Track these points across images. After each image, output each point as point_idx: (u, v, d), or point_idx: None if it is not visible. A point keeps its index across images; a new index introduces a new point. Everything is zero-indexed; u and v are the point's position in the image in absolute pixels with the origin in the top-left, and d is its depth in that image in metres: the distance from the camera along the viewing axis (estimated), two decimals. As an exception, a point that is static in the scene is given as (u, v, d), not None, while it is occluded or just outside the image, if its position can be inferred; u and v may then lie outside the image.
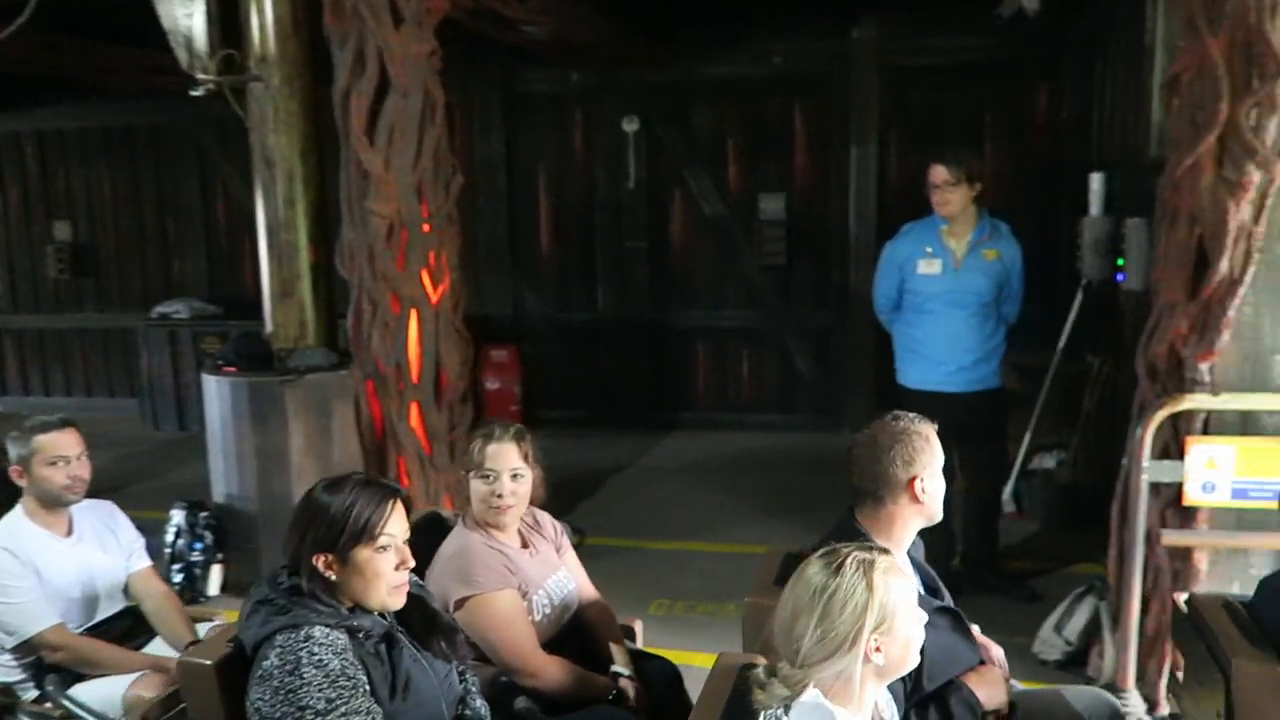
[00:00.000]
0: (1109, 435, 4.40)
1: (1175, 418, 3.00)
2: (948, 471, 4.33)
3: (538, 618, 2.44)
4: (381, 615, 1.95)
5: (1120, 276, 3.98)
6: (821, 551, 1.66)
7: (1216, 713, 2.04)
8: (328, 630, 1.82)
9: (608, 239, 7.14)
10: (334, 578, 1.88)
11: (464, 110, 6.95)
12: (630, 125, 6.89)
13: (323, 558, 1.87)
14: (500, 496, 2.44)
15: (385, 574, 1.90)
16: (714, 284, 7.07)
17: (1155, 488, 3.06)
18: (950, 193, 3.78)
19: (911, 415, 2.24)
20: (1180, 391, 2.98)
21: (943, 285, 3.85)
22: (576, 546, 4.78)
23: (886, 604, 1.59)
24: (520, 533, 2.56)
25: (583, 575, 2.68)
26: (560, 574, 2.58)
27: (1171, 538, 3.06)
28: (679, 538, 5.01)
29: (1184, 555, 3.07)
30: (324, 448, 4.39)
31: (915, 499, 2.16)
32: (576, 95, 7.05)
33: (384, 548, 1.89)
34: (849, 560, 1.61)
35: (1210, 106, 2.78)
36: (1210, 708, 2.08)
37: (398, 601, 1.94)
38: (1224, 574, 3.05)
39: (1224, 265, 2.83)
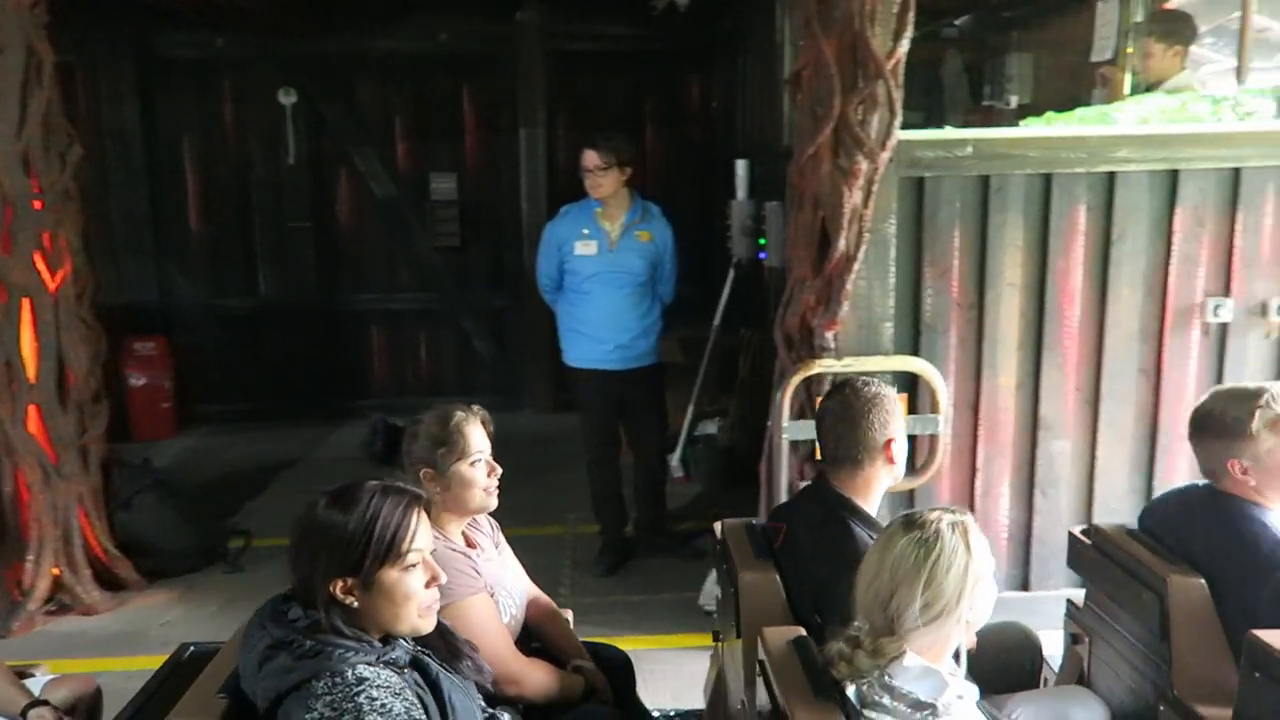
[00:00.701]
0: (760, 400, 4.82)
1: (808, 381, 3.34)
2: (615, 443, 4.54)
3: (506, 620, 2.24)
4: (402, 639, 1.70)
5: (762, 255, 4.35)
6: (903, 520, 1.64)
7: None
8: (376, 669, 1.56)
9: (268, 219, 6.66)
10: (355, 605, 1.61)
11: (87, 74, 6.16)
12: (287, 98, 6.45)
13: (340, 583, 1.59)
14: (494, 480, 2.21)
15: (417, 594, 1.64)
16: (387, 266, 6.85)
17: (794, 445, 3.39)
18: (602, 177, 3.93)
19: (874, 380, 2.30)
20: (811, 357, 3.32)
21: (599, 265, 4.01)
22: (241, 550, 4.52)
23: (981, 565, 1.60)
24: (464, 532, 2.30)
25: (522, 570, 2.47)
26: (512, 571, 2.39)
27: (813, 489, 3.41)
28: (356, 530, 4.81)
29: (819, 504, 3.44)
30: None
31: (890, 460, 2.22)
32: (225, 63, 6.48)
33: (412, 565, 1.64)
34: (943, 525, 1.60)
35: (826, 102, 3.09)
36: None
37: (429, 624, 1.69)
38: (851, 517, 3.44)
39: (842, 244, 3.18)
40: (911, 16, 3.05)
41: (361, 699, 1.50)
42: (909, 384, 3.39)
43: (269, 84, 6.44)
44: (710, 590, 3.88)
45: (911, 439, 3.39)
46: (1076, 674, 2.56)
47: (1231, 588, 2.12)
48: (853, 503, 2.21)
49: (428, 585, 1.67)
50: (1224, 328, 3.43)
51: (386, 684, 1.55)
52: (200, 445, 6.34)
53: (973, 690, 1.62)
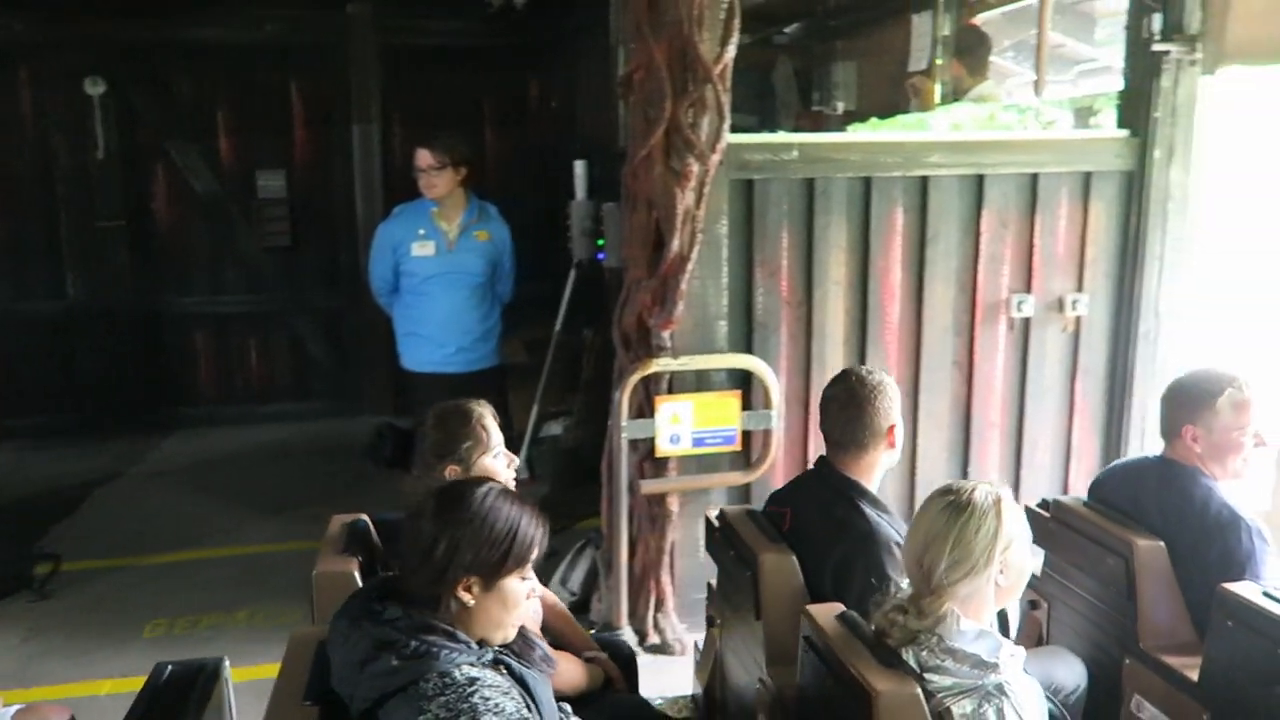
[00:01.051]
0: (604, 400, 4.85)
1: (646, 380, 3.39)
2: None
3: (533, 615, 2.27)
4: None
5: (602, 256, 4.38)
6: (941, 489, 1.80)
7: (750, 608, 2.32)
8: (482, 670, 1.56)
9: (75, 217, 6.17)
10: (471, 605, 1.60)
11: None
12: (95, 88, 6.00)
13: (468, 581, 1.60)
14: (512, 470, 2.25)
15: (522, 604, 1.67)
16: (211, 267, 6.48)
17: (634, 443, 3.43)
18: (436, 176, 3.86)
19: (875, 369, 2.44)
20: (648, 357, 3.36)
21: (438, 267, 3.94)
22: (49, 576, 4.19)
23: (1012, 530, 1.74)
24: None
25: None
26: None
27: (649, 486, 3.46)
28: (180, 548, 4.53)
29: (660, 500, 3.49)
30: None
31: (891, 444, 2.36)
32: (22, 48, 5.97)
33: (527, 576, 1.67)
34: (977, 492, 1.76)
35: (657, 104, 3.14)
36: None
37: (514, 634, 1.70)
38: (692, 511, 3.52)
39: (676, 244, 3.24)
40: (738, 23, 3.14)
41: (475, 699, 1.50)
42: (743, 381, 3.48)
43: (74, 72, 5.98)
44: (556, 591, 3.87)
45: (746, 434, 3.51)
46: (1036, 637, 2.74)
47: (1186, 548, 2.34)
48: (860, 484, 2.35)
49: (528, 596, 1.70)
50: (1026, 322, 3.70)
51: (496, 684, 1.56)
52: (3, 463, 5.83)
53: (1020, 650, 1.76)
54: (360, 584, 2.09)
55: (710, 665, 2.72)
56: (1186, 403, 2.43)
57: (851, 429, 2.34)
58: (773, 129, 5.32)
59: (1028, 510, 2.71)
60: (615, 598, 3.54)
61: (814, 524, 2.34)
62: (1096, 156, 3.65)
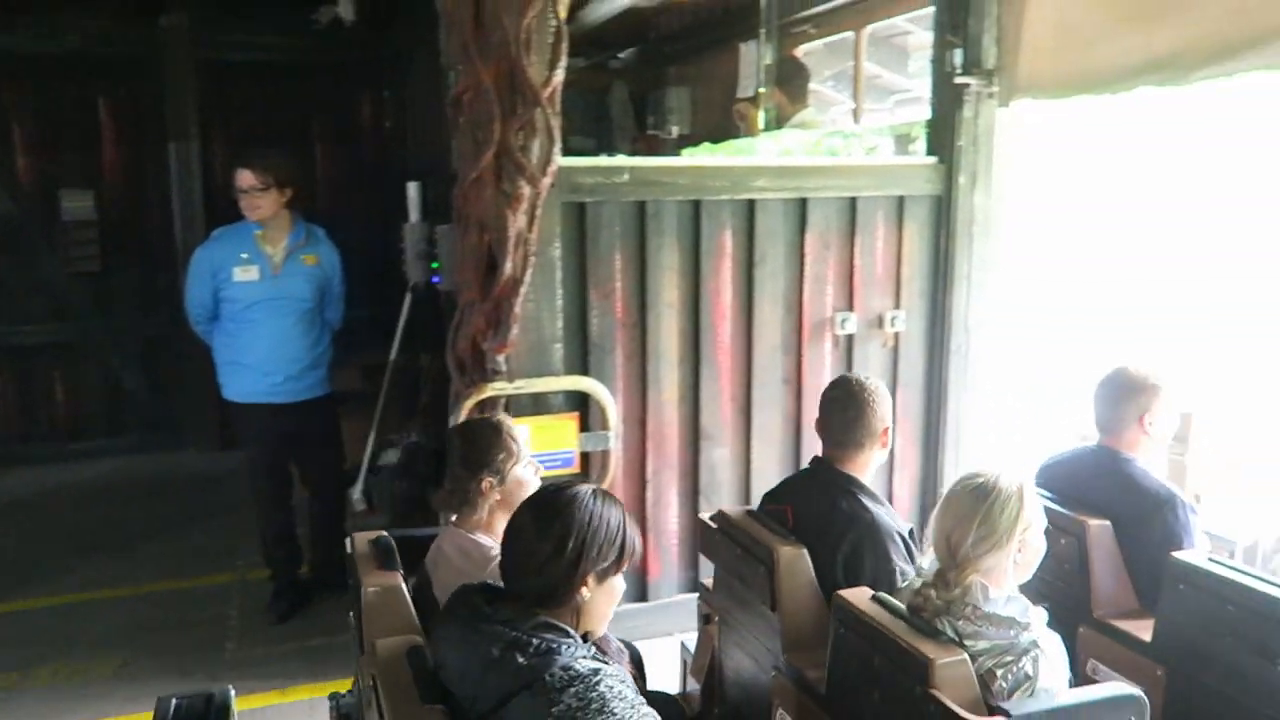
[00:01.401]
0: (443, 426, 4.75)
1: (482, 404, 3.33)
2: (286, 481, 4.28)
3: None
4: None
5: (436, 279, 4.30)
6: (966, 475, 2.01)
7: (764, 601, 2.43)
8: (599, 661, 1.64)
9: None
10: (588, 600, 1.71)
11: None
12: None
13: (589, 578, 1.70)
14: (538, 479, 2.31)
15: (620, 597, 1.80)
16: (9, 295, 5.97)
17: (471, 470, 3.37)
18: (259, 197, 3.70)
19: (869, 375, 2.61)
20: (484, 381, 3.32)
21: (263, 292, 3.76)
22: None
23: (1031, 514, 1.96)
24: None
25: None
26: None
27: (487, 513, 3.40)
28: (-28, 602, 4.14)
29: (498, 526, 3.44)
30: None
31: (884, 444, 2.56)
32: None
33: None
34: (1001, 478, 1.97)
35: (486, 127, 3.11)
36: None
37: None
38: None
39: (509, 267, 3.21)
40: (566, 47, 3.15)
41: (601, 687, 1.57)
42: (580, 403, 3.48)
43: None
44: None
45: (585, 455, 3.51)
46: None
47: (1132, 525, 2.59)
48: (859, 481, 2.54)
49: None
50: (850, 339, 3.87)
51: (614, 673, 1.62)
52: None
53: (1043, 611, 1.97)
54: (408, 597, 2.15)
55: (707, 661, 2.81)
56: (1139, 395, 2.68)
57: (852, 430, 2.53)
58: (611, 152, 5.38)
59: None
60: (455, 628, 3.45)
61: (820, 517, 2.50)
62: (908, 181, 3.87)
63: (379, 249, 6.04)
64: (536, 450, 3.38)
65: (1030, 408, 4.45)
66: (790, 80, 4.53)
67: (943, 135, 3.90)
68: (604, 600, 1.75)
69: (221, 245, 3.80)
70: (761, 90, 4.72)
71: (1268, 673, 2.06)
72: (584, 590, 1.70)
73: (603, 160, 3.72)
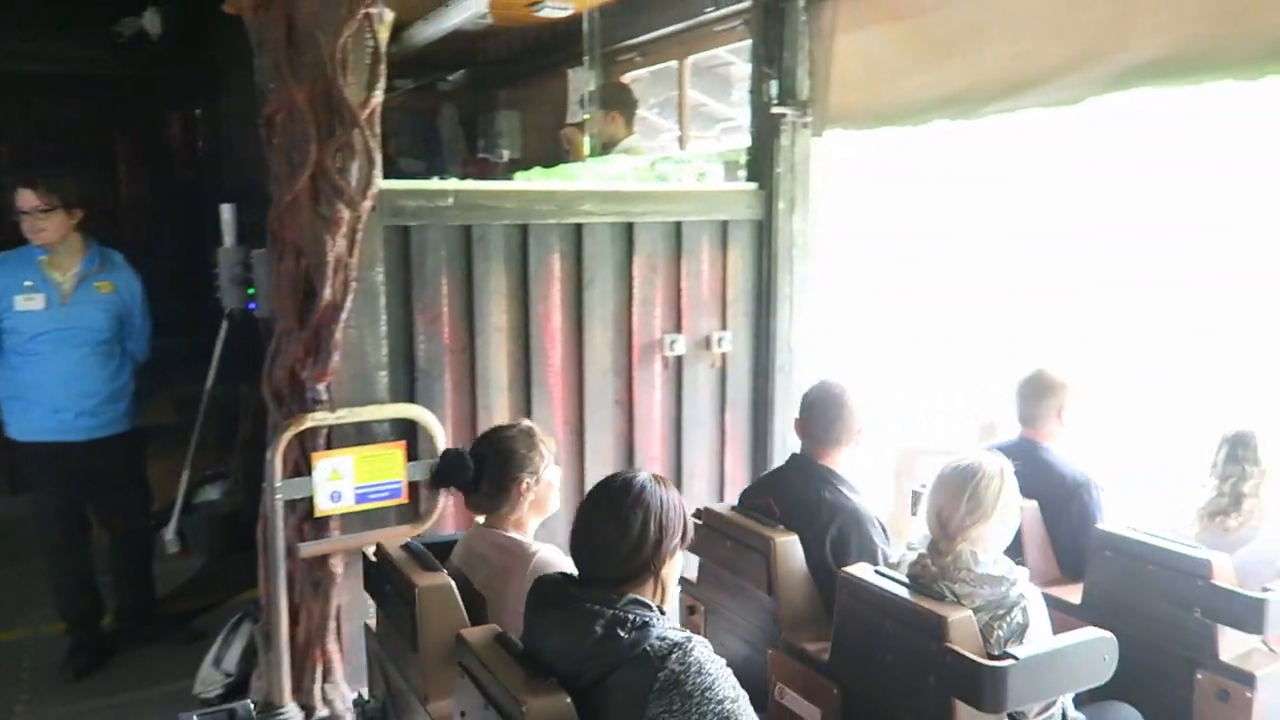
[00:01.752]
0: (263, 460, 4.52)
1: (301, 436, 3.19)
2: (81, 526, 3.97)
3: None
4: None
5: (252, 305, 4.10)
6: (957, 459, 2.32)
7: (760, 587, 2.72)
8: (684, 631, 1.81)
9: None
10: (666, 578, 1.91)
11: None
12: None
13: (666, 557, 1.89)
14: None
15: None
16: None
17: (291, 504, 3.22)
18: (43, 220, 3.45)
19: (838, 380, 2.92)
20: (303, 411, 3.18)
21: (50, 323, 3.50)
22: None
23: (1010, 494, 2.29)
24: None
25: None
26: None
27: (309, 549, 3.25)
28: None
29: (322, 563, 3.29)
30: None
31: (859, 442, 2.87)
32: None
33: None
34: (984, 459, 2.30)
35: (302, 148, 3.00)
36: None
37: None
38: (357, 572, 3.35)
39: (328, 293, 3.09)
40: (384, 68, 3.08)
41: (695, 653, 1.76)
42: (407, 431, 3.39)
43: None
44: (209, 676, 3.53)
45: (414, 485, 3.42)
46: None
47: (1056, 505, 2.98)
48: (839, 474, 2.84)
49: None
50: (679, 360, 3.94)
51: (702, 640, 1.80)
52: None
53: (1025, 569, 2.29)
54: (457, 593, 2.31)
55: None
56: (1057, 392, 3.10)
57: (832, 429, 2.84)
58: (443, 174, 5.30)
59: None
60: (277, 673, 3.27)
61: (805, 506, 2.77)
62: (731, 206, 4.00)
63: (194, 274, 5.73)
64: (361, 483, 3.29)
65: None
66: (615, 106, 4.60)
67: (762, 162, 4.05)
68: (670, 579, 1.95)
69: (3, 273, 3.51)
70: (586, 116, 4.77)
71: (1184, 618, 2.49)
72: (665, 568, 1.91)
73: (426, 183, 3.65)
